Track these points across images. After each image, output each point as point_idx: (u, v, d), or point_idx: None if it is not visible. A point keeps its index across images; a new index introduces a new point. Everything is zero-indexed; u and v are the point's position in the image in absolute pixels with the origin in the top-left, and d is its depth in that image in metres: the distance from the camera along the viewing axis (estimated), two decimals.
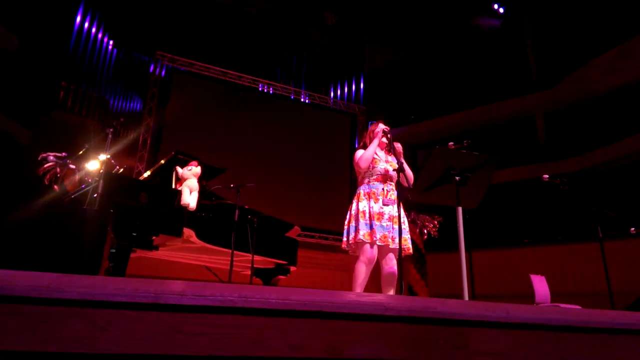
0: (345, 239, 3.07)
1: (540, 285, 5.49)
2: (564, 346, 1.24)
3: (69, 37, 9.89)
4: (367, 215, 2.96)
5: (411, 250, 2.99)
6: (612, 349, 1.28)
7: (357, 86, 13.28)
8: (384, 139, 3.17)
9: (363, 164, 3.07)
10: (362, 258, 2.94)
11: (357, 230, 2.95)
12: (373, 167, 3.12)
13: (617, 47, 9.81)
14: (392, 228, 2.93)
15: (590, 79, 10.78)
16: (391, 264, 2.98)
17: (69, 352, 0.86)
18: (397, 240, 2.87)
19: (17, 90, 9.04)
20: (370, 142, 3.23)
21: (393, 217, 2.95)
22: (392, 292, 2.97)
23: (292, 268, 5.45)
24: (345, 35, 14.06)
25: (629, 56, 9.89)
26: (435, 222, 9.58)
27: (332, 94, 13.13)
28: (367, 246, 2.93)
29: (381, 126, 3.27)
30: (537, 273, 5.62)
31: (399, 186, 2.95)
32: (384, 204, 2.98)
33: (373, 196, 3.02)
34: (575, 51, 10.93)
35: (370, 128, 3.34)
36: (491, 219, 11.05)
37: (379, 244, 2.90)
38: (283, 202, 10.38)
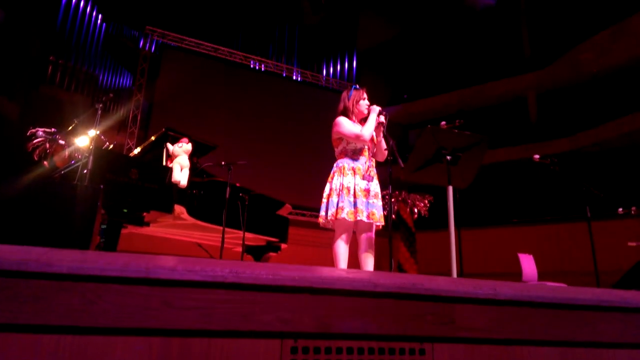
0: (323, 213, 2.89)
1: (527, 264, 5.57)
2: (548, 322, 1.26)
3: (57, 10, 9.67)
4: (352, 192, 2.84)
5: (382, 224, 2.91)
6: (596, 325, 1.31)
7: (350, 64, 13.16)
8: (382, 119, 3.00)
9: (367, 138, 2.92)
10: (343, 236, 2.84)
11: (338, 206, 2.81)
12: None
13: (611, 28, 9.77)
14: (376, 205, 2.88)
15: (584, 59, 10.76)
16: (370, 233, 2.90)
17: (59, 325, 0.86)
18: (377, 215, 2.84)
19: (4, 64, 8.86)
20: (353, 107, 3.10)
21: (377, 193, 2.91)
22: (372, 255, 2.88)
23: (283, 245, 5.49)
24: (339, 11, 13.85)
25: (622, 37, 9.86)
26: (426, 202, 9.65)
27: (324, 72, 13.00)
28: (349, 224, 2.84)
29: (365, 99, 3.14)
30: (525, 252, 5.70)
31: (383, 163, 2.96)
32: (362, 179, 2.89)
33: (358, 172, 2.91)
34: (570, 31, 10.87)
35: (354, 94, 3.13)
36: (481, 198, 11.16)
37: (367, 221, 2.81)
38: (274, 180, 10.37)
